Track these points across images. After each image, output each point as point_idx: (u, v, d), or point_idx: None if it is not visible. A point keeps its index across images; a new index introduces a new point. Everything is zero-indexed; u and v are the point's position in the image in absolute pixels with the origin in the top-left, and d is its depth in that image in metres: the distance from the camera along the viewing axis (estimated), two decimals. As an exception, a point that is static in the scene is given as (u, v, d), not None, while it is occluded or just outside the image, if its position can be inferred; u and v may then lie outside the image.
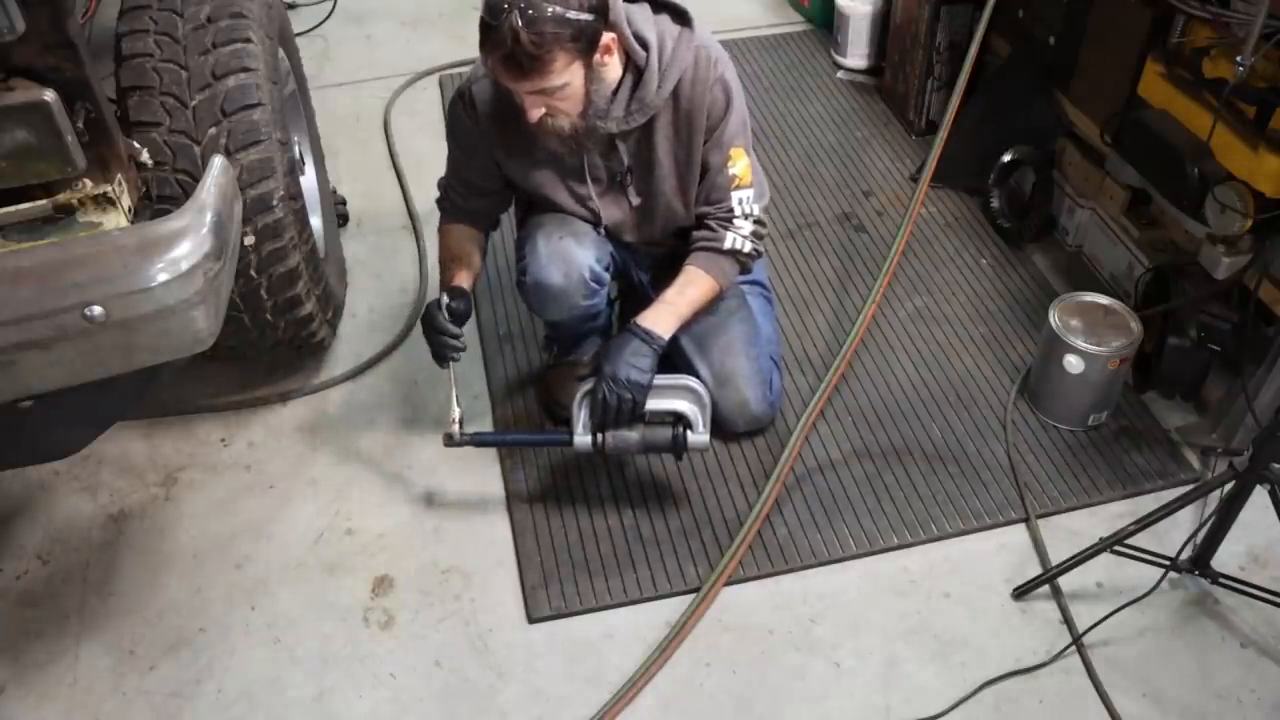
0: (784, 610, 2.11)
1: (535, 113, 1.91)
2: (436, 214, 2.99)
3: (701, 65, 2.00)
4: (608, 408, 2.04)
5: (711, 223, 2.15)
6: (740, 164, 2.10)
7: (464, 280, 2.16)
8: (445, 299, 2.08)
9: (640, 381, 2.05)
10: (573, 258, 2.15)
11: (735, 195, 2.12)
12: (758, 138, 3.17)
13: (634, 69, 1.97)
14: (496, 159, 2.13)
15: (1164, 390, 2.48)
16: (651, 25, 1.98)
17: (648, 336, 2.07)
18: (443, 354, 2.10)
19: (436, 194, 2.26)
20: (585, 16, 1.80)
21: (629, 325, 2.11)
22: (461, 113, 2.09)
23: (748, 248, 2.15)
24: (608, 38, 1.87)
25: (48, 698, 2.01)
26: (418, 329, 2.71)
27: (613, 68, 1.94)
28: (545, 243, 2.16)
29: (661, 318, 2.11)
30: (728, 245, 2.13)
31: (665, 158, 2.08)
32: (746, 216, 2.14)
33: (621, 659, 2.03)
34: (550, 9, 1.76)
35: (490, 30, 1.79)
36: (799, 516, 2.26)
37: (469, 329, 2.69)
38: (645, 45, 1.95)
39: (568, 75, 1.85)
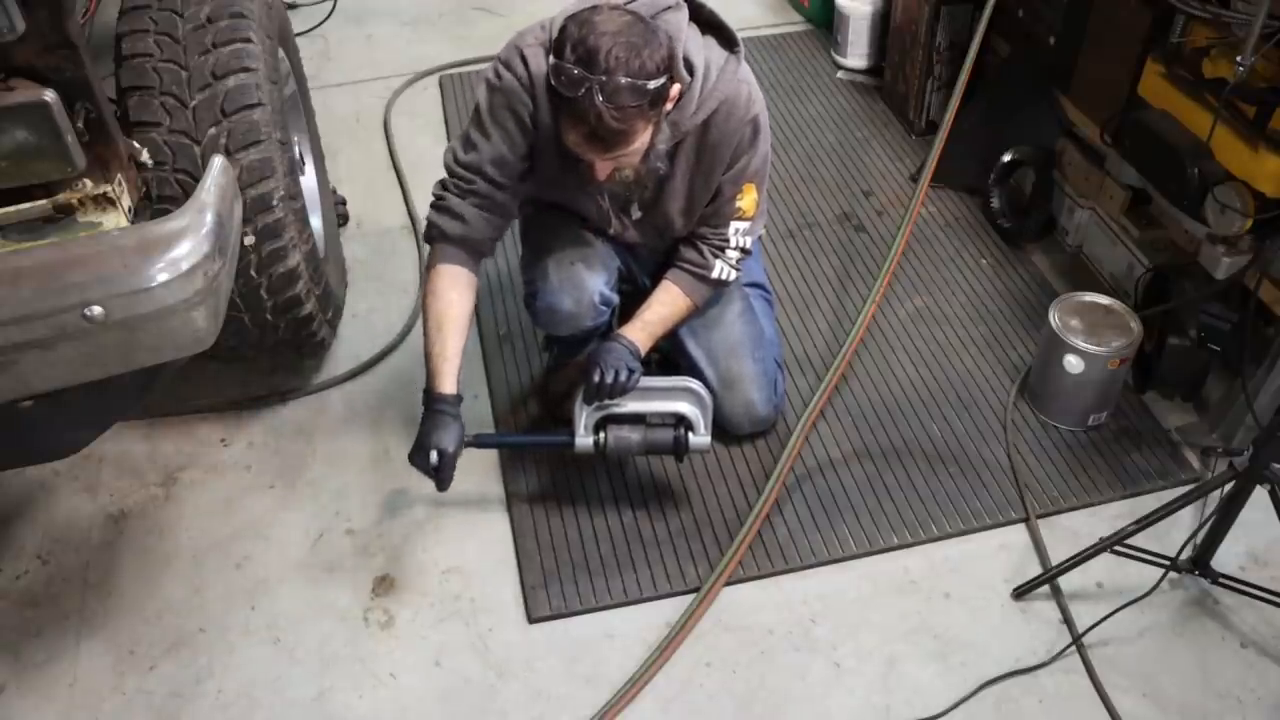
0: (784, 610, 2.11)
1: (605, 172, 1.90)
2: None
3: (741, 103, 1.97)
4: (603, 382, 2.03)
5: (704, 247, 2.14)
6: (748, 198, 2.10)
7: (453, 376, 2.01)
8: (434, 455, 1.97)
9: (633, 367, 2.06)
10: (583, 284, 2.15)
11: (734, 225, 2.13)
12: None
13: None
14: (538, 129, 1.97)
15: (1164, 390, 2.48)
16: (700, 49, 1.93)
17: (632, 346, 2.10)
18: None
19: (432, 198, 2.07)
20: (659, 81, 1.76)
21: (612, 335, 2.13)
22: (514, 78, 1.92)
23: (730, 278, 2.18)
24: (673, 89, 1.84)
25: (48, 698, 2.01)
26: (418, 329, 2.71)
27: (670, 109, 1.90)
28: (556, 269, 2.15)
29: (639, 335, 2.13)
30: (715, 274, 2.15)
31: (680, 181, 2.07)
32: (739, 247, 2.15)
33: (621, 659, 2.03)
34: (628, 81, 1.71)
35: (569, 104, 1.75)
36: (799, 516, 2.26)
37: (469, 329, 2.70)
38: (691, 69, 1.91)
39: (644, 137, 1.84)
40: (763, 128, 2.05)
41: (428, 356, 2.03)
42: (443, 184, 2.06)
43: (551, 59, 1.75)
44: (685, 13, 1.91)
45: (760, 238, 2.26)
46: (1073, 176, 2.79)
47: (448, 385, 2.01)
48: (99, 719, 1.98)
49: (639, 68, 1.73)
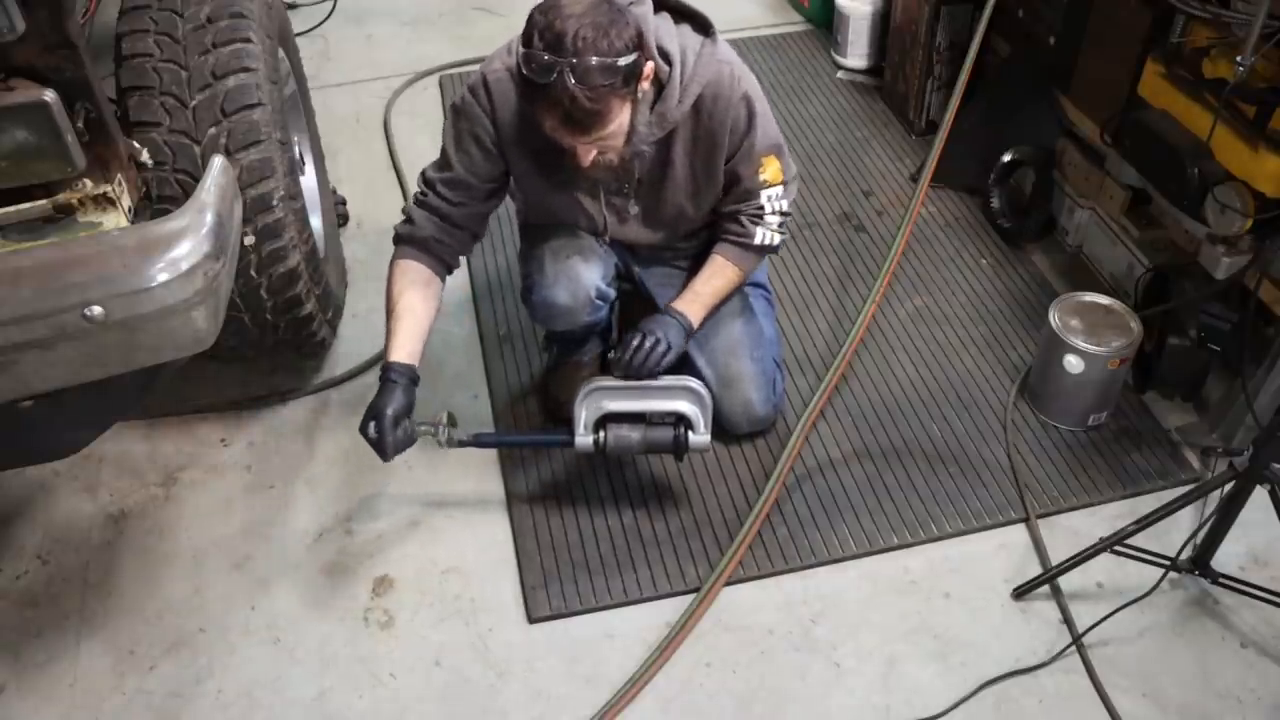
0: (784, 610, 2.11)
1: (588, 157, 1.89)
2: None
3: (725, 82, 1.97)
4: (640, 349, 2.03)
5: (743, 218, 2.15)
6: (771, 169, 2.10)
7: (408, 351, 2.00)
8: (371, 426, 1.94)
9: (674, 343, 2.07)
10: (579, 278, 2.15)
11: (765, 194, 2.13)
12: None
13: (655, 82, 1.92)
14: (506, 155, 2.05)
15: (1164, 390, 2.48)
16: (674, 38, 1.94)
17: (682, 318, 2.11)
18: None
19: (403, 203, 2.14)
20: (630, 58, 1.76)
21: (664, 308, 2.13)
22: (476, 104, 1.99)
23: (776, 241, 2.17)
24: (646, 66, 1.83)
25: (48, 698, 2.01)
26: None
27: (648, 90, 1.91)
28: (552, 262, 2.15)
29: (692, 306, 2.14)
30: (759, 241, 2.15)
31: (681, 169, 2.07)
32: (775, 213, 2.15)
33: (621, 659, 2.03)
34: (598, 60, 1.71)
35: (542, 90, 1.74)
36: (799, 516, 2.26)
37: (469, 330, 2.71)
38: (668, 59, 1.91)
39: (621, 118, 1.83)
40: (756, 103, 2.02)
41: (387, 338, 2.04)
42: (416, 197, 2.12)
43: (520, 49, 1.76)
44: (648, 4, 1.91)
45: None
46: (1073, 176, 2.79)
47: (394, 354, 2.00)
48: (99, 719, 1.98)
49: (608, 47, 1.73)
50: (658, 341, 2.05)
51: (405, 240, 2.09)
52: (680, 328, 2.10)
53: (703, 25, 2.00)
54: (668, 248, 2.28)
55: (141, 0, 2.08)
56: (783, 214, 2.17)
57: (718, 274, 2.18)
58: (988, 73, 2.97)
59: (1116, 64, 2.48)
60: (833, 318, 2.73)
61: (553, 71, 1.71)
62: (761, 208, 2.14)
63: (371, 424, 1.96)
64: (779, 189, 2.13)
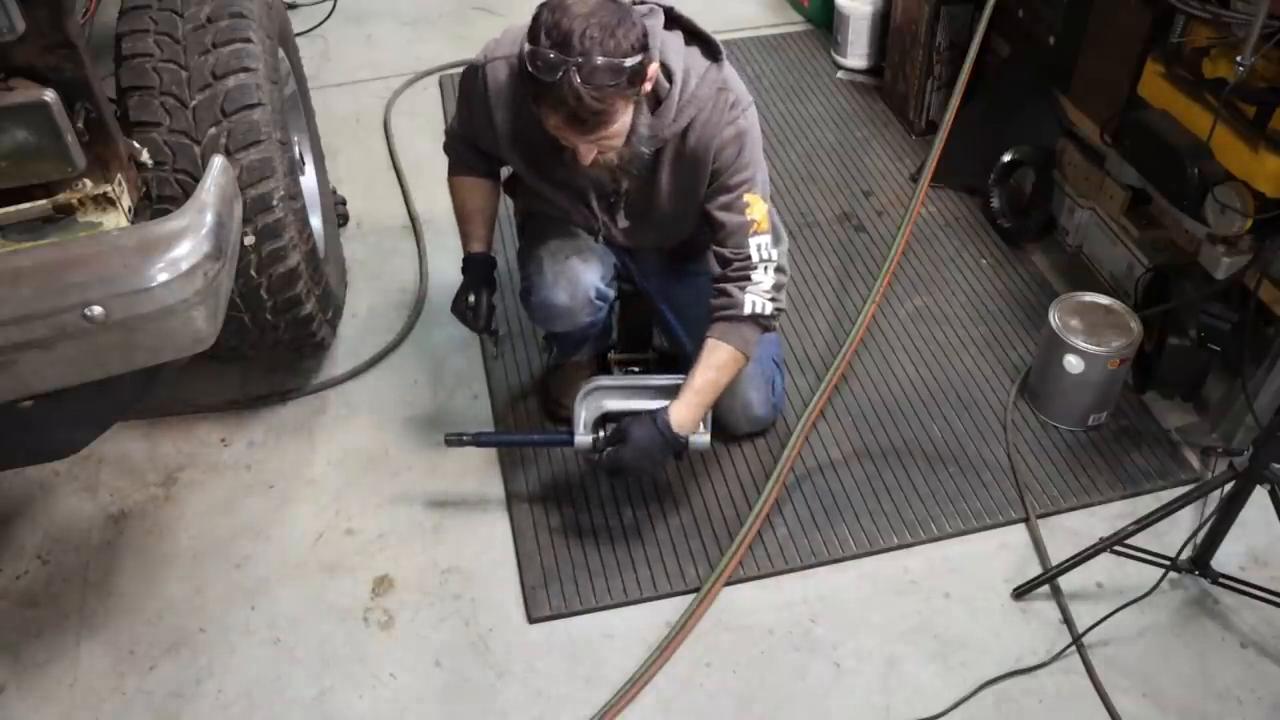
0: (784, 610, 2.11)
1: (589, 156, 1.87)
2: (436, 214, 3.04)
3: (718, 107, 1.94)
4: (615, 475, 2.11)
5: (730, 286, 2.02)
6: (758, 209, 2.02)
7: (482, 240, 2.21)
8: (470, 298, 2.18)
9: (653, 469, 2.07)
10: (579, 279, 2.14)
11: (753, 241, 2.01)
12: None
13: (654, 96, 1.90)
14: (500, 145, 2.07)
15: (1164, 390, 2.48)
16: (680, 57, 1.92)
17: (673, 437, 2.01)
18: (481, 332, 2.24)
19: (443, 140, 2.25)
20: (636, 59, 1.74)
21: (657, 417, 2.01)
22: (472, 88, 2.03)
23: (769, 310, 2.02)
24: (650, 68, 1.81)
25: (48, 698, 2.01)
26: (418, 329, 2.73)
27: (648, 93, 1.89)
28: (551, 263, 2.15)
29: (685, 414, 2.02)
30: (747, 311, 2.01)
31: (666, 186, 2.05)
32: (765, 263, 2.01)
33: (621, 659, 2.03)
34: (604, 60, 1.70)
35: (548, 89, 1.73)
36: (799, 516, 2.26)
37: (469, 330, 2.70)
38: (670, 76, 1.90)
39: (624, 119, 1.82)
40: (748, 135, 1.98)
41: (462, 235, 2.26)
42: (448, 133, 2.26)
43: (526, 45, 1.75)
44: (660, 18, 1.89)
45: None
46: (1073, 176, 2.79)
47: (471, 247, 2.22)
48: (99, 719, 1.98)
49: (614, 47, 1.71)
50: (631, 475, 2.09)
51: (451, 161, 2.25)
52: (670, 448, 2.02)
53: (712, 51, 1.96)
54: (662, 249, 2.28)
55: (141, 0, 2.08)
56: (777, 270, 2.03)
57: (711, 365, 2.02)
58: (988, 73, 2.97)
59: (1116, 64, 2.49)
60: (833, 318, 2.73)
61: (558, 70, 1.70)
62: (749, 259, 2.00)
63: (470, 297, 2.18)
64: (767, 238, 2.03)
